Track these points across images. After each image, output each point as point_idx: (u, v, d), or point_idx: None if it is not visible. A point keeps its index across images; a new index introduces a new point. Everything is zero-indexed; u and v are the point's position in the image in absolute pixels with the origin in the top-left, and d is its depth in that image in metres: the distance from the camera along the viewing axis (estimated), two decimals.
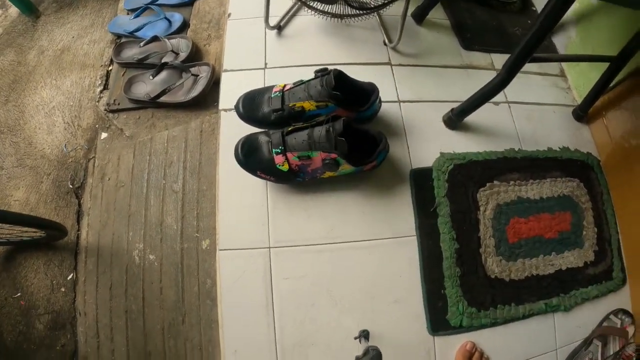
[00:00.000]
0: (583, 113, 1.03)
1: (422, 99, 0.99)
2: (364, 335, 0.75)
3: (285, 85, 0.83)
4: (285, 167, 0.77)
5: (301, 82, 0.81)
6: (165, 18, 1.15)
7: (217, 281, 0.80)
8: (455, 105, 0.93)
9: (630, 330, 0.86)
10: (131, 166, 1.01)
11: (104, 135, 1.09)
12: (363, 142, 0.80)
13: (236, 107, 0.84)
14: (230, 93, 0.93)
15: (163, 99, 1.02)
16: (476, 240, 0.86)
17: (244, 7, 1.08)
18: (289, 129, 0.77)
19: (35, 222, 0.86)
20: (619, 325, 0.87)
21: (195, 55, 1.12)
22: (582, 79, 1.08)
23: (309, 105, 0.79)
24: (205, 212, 0.93)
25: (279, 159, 0.76)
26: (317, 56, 1.01)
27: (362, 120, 0.88)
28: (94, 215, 0.99)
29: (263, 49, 1.02)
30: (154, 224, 0.94)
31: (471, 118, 0.92)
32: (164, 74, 1.04)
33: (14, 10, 1.41)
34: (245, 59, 1.00)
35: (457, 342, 0.80)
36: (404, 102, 0.98)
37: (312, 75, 0.81)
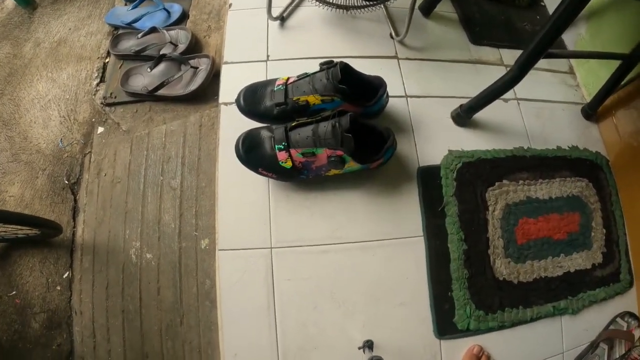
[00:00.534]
0: (592, 111, 1.01)
1: (430, 94, 0.96)
2: (368, 345, 0.73)
3: (288, 78, 0.80)
4: (289, 164, 0.74)
5: (306, 75, 0.78)
6: (164, 9, 1.12)
7: (217, 282, 0.78)
8: (463, 101, 0.90)
9: (637, 333, 0.85)
10: (128, 162, 0.99)
11: (100, 129, 1.07)
12: (370, 138, 0.77)
13: (237, 101, 0.81)
14: (230, 86, 0.90)
15: (161, 92, 0.99)
16: (485, 241, 0.84)
17: None
18: (293, 124, 0.74)
19: (29, 220, 0.83)
20: (625, 328, 0.86)
21: (195, 47, 1.09)
22: (591, 77, 1.06)
23: (313, 99, 0.76)
24: (204, 210, 0.90)
25: (282, 156, 0.73)
26: (321, 49, 0.98)
27: (368, 115, 0.85)
28: (90, 211, 0.97)
29: (265, 40, 0.99)
30: (151, 221, 0.91)
31: (480, 115, 0.90)
32: (162, 66, 1.01)
33: (10, 2, 1.39)
34: (246, 51, 0.97)
35: (463, 346, 0.78)
36: (411, 97, 0.95)
37: (317, 68, 0.78)
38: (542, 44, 0.69)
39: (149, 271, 0.89)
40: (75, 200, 1.00)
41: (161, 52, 1.01)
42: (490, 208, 0.86)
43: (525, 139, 0.95)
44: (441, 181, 0.85)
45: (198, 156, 0.94)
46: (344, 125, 0.69)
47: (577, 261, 0.88)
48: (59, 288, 0.92)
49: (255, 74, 0.92)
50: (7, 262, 0.92)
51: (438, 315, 0.78)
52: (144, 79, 1.01)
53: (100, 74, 1.14)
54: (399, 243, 0.81)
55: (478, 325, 0.79)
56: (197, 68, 1.00)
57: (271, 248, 0.78)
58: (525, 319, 0.81)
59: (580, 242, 0.90)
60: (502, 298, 0.82)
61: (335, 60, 0.77)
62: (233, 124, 0.84)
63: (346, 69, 0.76)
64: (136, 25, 1.11)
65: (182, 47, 1.04)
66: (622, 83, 0.92)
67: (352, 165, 0.74)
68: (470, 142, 0.91)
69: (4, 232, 0.83)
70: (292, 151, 0.73)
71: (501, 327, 0.80)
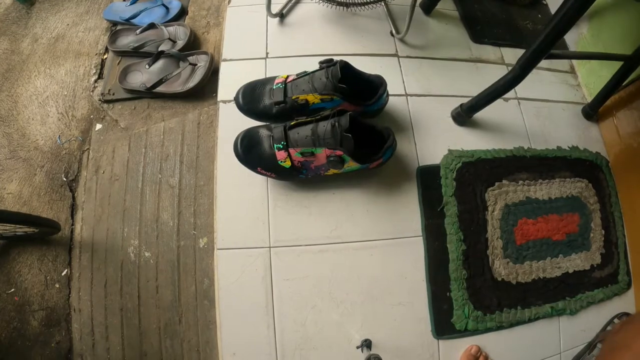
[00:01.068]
0: (593, 112, 1.01)
1: (430, 93, 0.96)
2: (367, 344, 0.73)
3: (288, 77, 0.79)
4: (288, 164, 0.73)
5: (305, 74, 0.77)
6: (163, 5, 1.10)
7: (215, 281, 0.77)
8: (463, 100, 0.90)
9: None
10: (126, 159, 0.98)
11: (98, 126, 1.06)
12: (369, 137, 0.76)
13: (236, 99, 0.80)
14: (229, 84, 0.89)
15: (159, 89, 0.98)
16: (484, 242, 0.84)
17: None
18: (292, 123, 0.73)
19: (27, 220, 0.83)
20: None
21: (194, 44, 1.08)
22: (592, 77, 1.05)
23: (313, 98, 0.75)
24: (202, 208, 0.89)
25: (280, 155, 0.73)
26: (321, 46, 0.97)
27: (368, 114, 0.84)
28: (88, 209, 0.96)
29: (264, 37, 0.98)
30: (150, 220, 0.91)
31: (480, 114, 0.89)
32: (160, 63, 1.00)
33: None
34: (245, 48, 0.96)
35: (461, 346, 0.78)
36: (411, 95, 0.94)
37: (316, 66, 0.77)
38: (544, 44, 0.68)
39: (147, 269, 0.89)
40: (74, 198, 0.99)
41: (159, 49, 1.00)
42: (490, 208, 0.86)
43: (526, 138, 0.95)
44: (441, 181, 0.85)
45: (196, 154, 0.94)
46: (344, 124, 0.69)
47: (576, 262, 0.88)
48: (57, 286, 0.91)
49: (254, 72, 0.91)
50: (6, 260, 0.92)
51: (436, 315, 0.78)
52: (142, 75, 1.00)
53: (98, 71, 1.13)
54: (398, 243, 0.80)
55: (476, 325, 0.79)
56: (195, 65, 0.99)
57: (270, 247, 0.78)
58: (523, 319, 0.81)
59: (579, 243, 0.90)
60: (501, 298, 0.82)
61: (335, 58, 0.76)
62: (232, 122, 0.83)
63: (346, 67, 0.75)
64: (134, 21, 1.10)
65: (180, 43, 1.02)
66: (624, 84, 0.91)
67: (351, 165, 0.74)
68: (470, 141, 0.91)
69: (3, 230, 0.83)
70: (291, 150, 0.72)
71: (499, 328, 0.80)
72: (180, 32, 1.05)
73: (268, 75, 0.88)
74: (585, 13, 1.05)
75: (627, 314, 0.87)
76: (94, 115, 1.08)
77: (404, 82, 0.96)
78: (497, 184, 0.87)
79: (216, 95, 0.91)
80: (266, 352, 0.73)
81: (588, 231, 0.92)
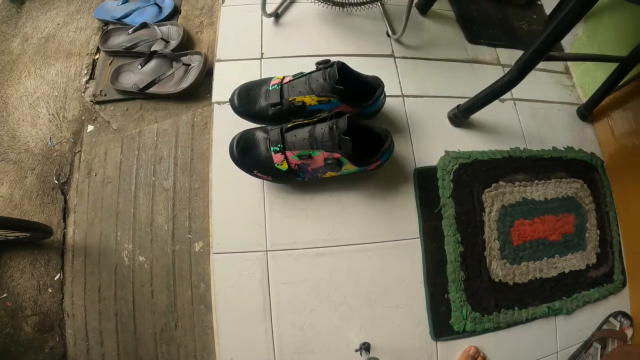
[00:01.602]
0: (588, 112, 1.01)
1: (427, 94, 0.95)
2: (365, 347, 0.73)
3: (284, 78, 0.78)
4: (284, 167, 0.72)
5: (301, 75, 0.76)
6: (155, 4, 1.08)
7: (212, 286, 0.76)
8: (459, 101, 0.89)
9: (629, 332, 0.86)
10: (119, 161, 0.96)
11: (90, 127, 1.04)
12: (367, 139, 0.76)
13: (231, 101, 0.79)
14: (224, 85, 0.88)
15: (152, 89, 0.96)
16: (481, 243, 0.84)
17: None
18: (289, 125, 0.73)
19: (18, 225, 0.81)
20: (618, 328, 0.87)
21: (187, 44, 1.06)
22: (587, 78, 1.05)
23: (310, 99, 0.74)
24: (197, 212, 0.88)
25: (277, 158, 0.72)
26: (317, 46, 0.96)
27: (365, 116, 0.84)
28: (81, 212, 0.95)
29: (259, 37, 0.96)
30: (144, 223, 0.90)
31: (476, 115, 0.89)
32: (153, 63, 0.98)
33: None
34: (240, 48, 0.95)
35: (460, 347, 0.78)
36: (407, 96, 0.94)
37: (313, 67, 0.76)
38: (543, 46, 0.68)
39: (142, 274, 0.87)
40: (66, 201, 0.98)
41: (152, 49, 0.98)
42: (487, 209, 0.86)
43: (522, 139, 0.95)
44: (438, 183, 0.85)
45: (191, 156, 0.92)
46: (342, 127, 0.68)
47: (572, 262, 0.89)
48: (50, 290, 0.90)
49: (249, 72, 0.90)
50: None
51: (434, 317, 0.78)
52: (135, 76, 0.98)
53: (90, 71, 1.11)
54: (396, 245, 0.80)
55: (474, 326, 0.79)
56: (189, 65, 0.97)
57: (266, 251, 0.77)
58: (520, 319, 0.82)
59: (574, 243, 0.90)
60: (498, 299, 0.82)
61: (331, 58, 0.75)
62: (227, 124, 0.82)
63: (343, 68, 0.74)
64: (126, 20, 1.08)
65: (173, 43, 1.01)
66: (619, 85, 0.92)
67: (349, 167, 0.73)
68: (467, 142, 0.90)
69: None
70: (288, 153, 0.71)
71: (497, 328, 0.80)
72: (173, 32, 1.03)
73: (263, 76, 0.87)
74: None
75: (622, 313, 0.88)
76: (86, 117, 1.06)
77: (400, 83, 0.95)
78: (493, 185, 0.87)
79: (210, 96, 0.90)
80: (264, 357, 0.73)
81: (583, 231, 0.92)
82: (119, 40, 1.05)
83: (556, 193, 0.92)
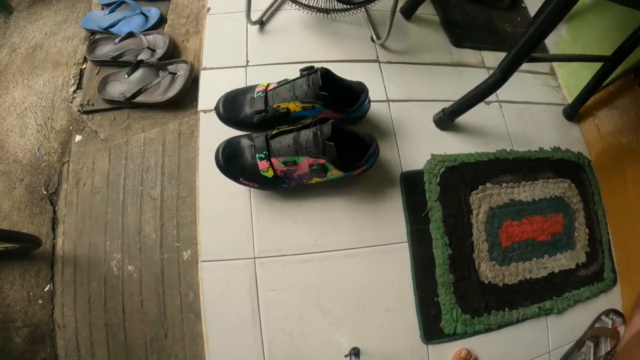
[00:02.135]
0: (574, 112, 1.02)
1: (412, 98, 0.95)
2: (355, 352, 0.72)
3: (268, 85, 0.78)
4: (270, 174, 0.72)
5: (286, 82, 0.76)
6: (142, 13, 1.08)
7: (200, 294, 0.76)
8: (445, 104, 0.90)
9: (622, 330, 0.86)
10: (107, 171, 0.96)
11: (78, 137, 1.04)
12: (352, 144, 0.76)
13: (216, 109, 0.79)
14: (209, 93, 0.88)
15: (139, 99, 0.96)
16: (469, 245, 0.84)
17: (224, 1, 1.02)
18: (274, 132, 0.73)
19: (7, 236, 0.81)
20: (610, 326, 0.87)
21: (173, 52, 1.06)
22: (572, 78, 1.06)
23: (294, 106, 0.74)
24: (185, 220, 0.88)
25: (263, 165, 0.72)
26: (302, 53, 0.96)
27: (350, 121, 0.84)
28: (70, 222, 0.94)
29: (244, 45, 0.96)
30: (132, 232, 0.89)
31: (462, 118, 0.89)
32: (139, 73, 0.98)
33: None
34: (225, 56, 0.95)
35: (451, 350, 0.78)
36: (393, 101, 0.94)
37: (297, 74, 0.76)
38: (525, 48, 0.68)
39: (131, 283, 0.87)
40: (55, 211, 0.97)
41: (139, 58, 0.98)
42: (474, 212, 0.86)
43: (508, 141, 0.95)
44: (424, 186, 0.85)
45: (178, 165, 0.92)
46: (326, 133, 0.68)
47: (561, 262, 0.89)
48: (40, 301, 0.89)
49: (235, 80, 0.90)
50: None
51: (424, 320, 0.78)
52: (122, 85, 0.98)
53: (77, 81, 1.11)
54: (384, 250, 0.80)
55: (465, 329, 0.79)
56: (175, 74, 0.97)
57: (254, 258, 0.77)
58: (511, 320, 0.82)
59: (563, 242, 0.91)
60: (488, 301, 0.82)
61: (316, 65, 0.75)
62: (212, 132, 0.82)
63: (327, 74, 0.74)
64: (113, 30, 1.08)
65: (160, 52, 1.01)
66: (604, 84, 0.92)
67: (334, 173, 0.73)
68: (453, 145, 0.91)
69: None
70: (274, 160, 0.71)
71: (488, 330, 0.80)
72: (159, 41, 1.03)
73: (249, 84, 0.87)
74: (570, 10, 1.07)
75: (614, 310, 0.88)
76: (73, 127, 1.06)
77: (385, 87, 0.95)
78: (481, 187, 0.87)
79: (197, 105, 0.90)
80: None
81: (572, 230, 0.93)
82: (106, 49, 1.05)
83: (544, 193, 0.93)
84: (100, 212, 0.93)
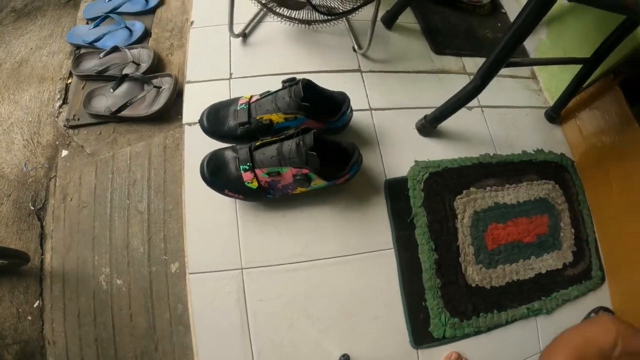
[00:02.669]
0: (556, 115, 1.03)
1: (394, 106, 0.96)
2: (345, 359, 0.73)
3: (251, 97, 0.79)
4: (255, 185, 0.73)
5: (268, 93, 0.77)
6: (126, 27, 1.09)
7: (189, 306, 0.76)
8: (428, 111, 0.91)
9: None
10: (93, 185, 0.96)
11: (64, 152, 1.04)
12: (335, 154, 0.77)
13: (200, 122, 0.80)
14: (194, 106, 0.89)
15: (124, 113, 0.96)
16: (455, 250, 0.85)
17: (207, 14, 1.03)
18: (257, 143, 0.73)
19: None
20: None
21: (158, 66, 1.06)
22: (553, 81, 1.08)
23: (277, 117, 0.75)
24: (172, 233, 0.88)
25: (247, 176, 0.72)
26: (285, 64, 0.97)
27: (333, 131, 0.85)
28: (57, 238, 0.94)
29: (228, 58, 0.97)
30: (120, 246, 0.89)
31: (445, 124, 0.90)
32: (125, 87, 0.98)
33: None
34: (209, 69, 0.95)
35: (441, 354, 0.78)
36: (375, 110, 0.95)
37: (280, 86, 0.77)
38: (503, 53, 0.70)
39: (120, 298, 0.87)
40: (42, 227, 0.97)
41: (123, 72, 0.99)
42: (459, 216, 0.87)
43: (491, 145, 0.97)
44: (409, 192, 0.86)
45: (164, 178, 0.92)
46: (308, 143, 0.69)
47: (548, 262, 0.90)
48: (30, 318, 0.89)
49: (219, 93, 0.91)
50: None
51: (413, 325, 0.78)
52: (107, 100, 0.98)
53: (63, 96, 1.11)
54: (370, 257, 0.81)
55: (454, 332, 0.79)
56: (160, 87, 0.97)
57: (242, 269, 0.77)
58: (500, 322, 0.82)
59: (550, 243, 0.92)
60: (476, 304, 0.82)
61: (299, 76, 0.76)
62: (197, 145, 0.82)
63: (309, 85, 0.75)
64: (98, 44, 1.08)
65: (144, 66, 1.01)
66: (584, 85, 0.94)
67: (318, 182, 0.74)
68: (436, 151, 0.92)
69: None
70: (258, 171, 0.72)
71: (477, 333, 0.81)
72: (144, 55, 1.04)
73: (232, 96, 0.87)
74: (544, 19, 1.09)
75: (603, 308, 0.89)
76: (60, 142, 1.06)
77: (367, 96, 0.96)
78: (465, 192, 0.88)
79: (182, 118, 0.90)
80: None
81: (558, 231, 0.94)
82: (91, 64, 1.05)
83: (528, 196, 0.94)
84: (87, 226, 0.93)
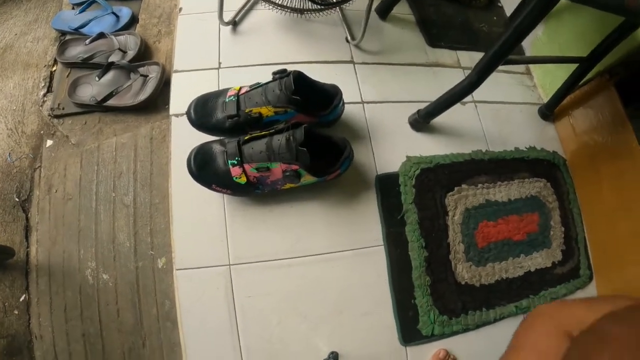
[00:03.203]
0: (549, 112, 1.03)
1: (387, 99, 0.95)
2: (333, 356, 0.72)
3: (240, 89, 0.77)
4: (243, 180, 0.71)
5: (258, 85, 0.75)
6: (113, 13, 1.05)
7: (176, 302, 0.75)
8: (421, 105, 0.89)
9: None
10: (78, 177, 0.94)
11: (49, 142, 1.01)
12: (325, 148, 0.75)
13: (187, 113, 0.77)
14: (181, 96, 0.86)
15: (110, 102, 0.93)
16: (445, 247, 0.84)
17: (196, 1, 0.99)
18: (246, 137, 0.71)
19: None
20: None
21: (145, 53, 1.03)
22: (548, 78, 1.07)
23: (266, 111, 0.73)
24: (159, 227, 0.86)
25: (235, 171, 0.71)
26: (275, 54, 0.95)
27: (324, 124, 0.83)
28: (43, 230, 0.92)
29: (217, 46, 0.94)
30: (106, 240, 0.87)
31: (437, 119, 0.89)
32: (110, 75, 0.95)
33: None
34: (197, 58, 0.93)
35: (429, 351, 0.79)
36: (367, 103, 0.93)
37: (271, 77, 0.75)
38: (502, 50, 0.68)
39: (106, 292, 0.85)
40: (27, 219, 0.94)
41: (110, 60, 0.96)
42: (450, 213, 0.86)
43: (484, 141, 0.96)
44: (400, 188, 0.85)
45: (150, 171, 0.90)
46: (299, 138, 0.67)
47: (537, 260, 0.90)
48: (16, 312, 0.87)
49: (207, 83, 0.89)
50: None
51: (402, 322, 0.78)
52: (92, 88, 0.95)
53: (47, 83, 1.08)
54: (360, 253, 0.80)
55: (442, 330, 0.79)
56: (146, 76, 0.94)
57: (229, 265, 0.76)
58: (488, 320, 0.83)
59: (539, 241, 0.92)
60: (465, 302, 0.82)
61: (290, 67, 0.74)
62: (184, 137, 0.80)
63: (299, 77, 0.73)
64: (84, 30, 1.05)
65: (131, 53, 0.98)
66: (579, 84, 0.93)
67: (308, 178, 0.72)
68: (429, 147, 0.91)
69: None
70: (246, 166, 0.70)
71: (466, 330, 0.81)
72: (130, 42, 1.00)
73: (221, 86, 0.85)
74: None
75: None
76: (44, 131, 1.03)
77: (360, 89, 0.95)
78: (456, 188, 0.88)
79: (168, 108, 0.88)
80: None
81: (548, 229, 0.94)
82: (76, 51, 1.02)
83: (519, 193, 0.94)
84: (73, 219, 0.91)
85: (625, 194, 0.86)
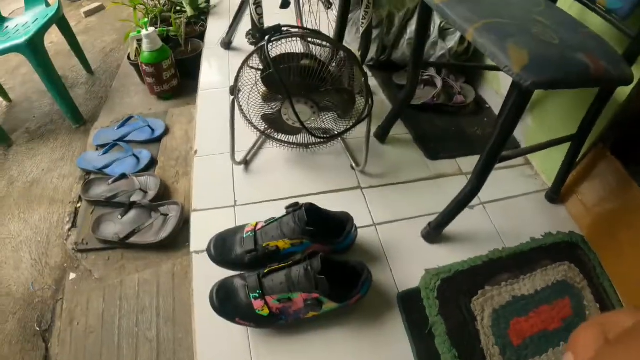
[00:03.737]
0: (556, 195, 1.04)
1: (398, 217, 0.98)
2: None
3: (257, 224, 0.81)
4: (266, 312, 0.72)
5: (273, 220, 0.79)
6: (134, 155, 1.15)
7: None
8: (430, 218, 0.92)
9: None
10: (101, 311, 0.95)
11: (72, 275, 1.04)
12: (344, 274, 0.76)
13: (208, 251, 0.81)
14: (201, 233, 0.90)
15: (132, 239, 0.98)
16: (480, 353, 0.80)
17: (210, 144, 1.08)
18: (266, 270, 0.74)
19: None
20: None
21: (164, 193, 1.11)
22: (547, 163, 1.10)
23: (283, 244, 0.76)
24: None
25: (257, 304, 0.72)
26: (287, 188, 1.00)
27: (339, 251, 0.85)
28: None
29: (231, 185, 1.01)
30: None
31: (449, 227, 0.91)
32: (132, 214, 1.02)
33: None
34: (214, 197, 0.98)
35: None
36: (379, 224, 0.96)
37: (284, 211, 0.79)
38: (493, 150, 0.72)
39: None
40: (47, 349, 0.95)
41: (131, 199, 1.03)
42: (479, 318, 0.84)
43: (498, 239, 0.96)
44: (423, 302, 0.84)
45: (173, 306, 0.91)
46: (316, 267, 0.69)
47: None
48: None
49: (225, 220, 0.93)
50: None
51: None
52: (115, 226, 1.01)
53: (72, 219, 1.14)
54: None
55: None
56: (167, 215, 1.00)
57: None
58: None
59: (577, 323, 0.87)
60: None
61: (301, 199, 0.79)
62: (206, 273, 0.82)
63: (311, 209, 0.77)
64: (107, 170, 1.14)
65: (151, 193, 1.05)
66: (577, 160, 0.96)
67: (330, 305, 0.73)
68: (445, 256, 0.91)
69: None
70: (268, 298, 0.71)
71: None
72: (150, 183, 1.08)
73: (238, 223, 0.89)
74: (527, 107, 1.14)
75: None
76: (68, 264, 1.07)
77: (370, 212, 0.98)
78: (480, 292, 0.86)
79: (189, 245, 0.91)
80: None
81: (583, 309, 0.89)
82: (100, 190, 1.10)
83: (545, 282, 0.91)
84: (95, 353, 0.90)
85: None
